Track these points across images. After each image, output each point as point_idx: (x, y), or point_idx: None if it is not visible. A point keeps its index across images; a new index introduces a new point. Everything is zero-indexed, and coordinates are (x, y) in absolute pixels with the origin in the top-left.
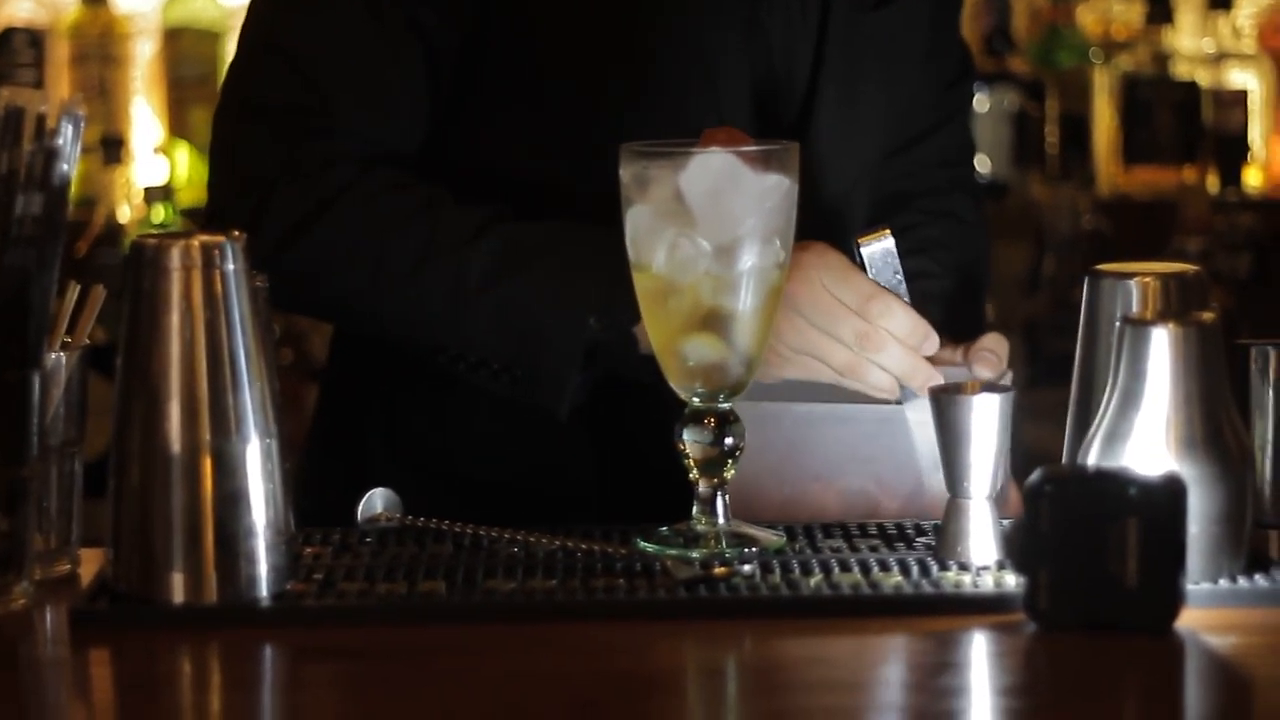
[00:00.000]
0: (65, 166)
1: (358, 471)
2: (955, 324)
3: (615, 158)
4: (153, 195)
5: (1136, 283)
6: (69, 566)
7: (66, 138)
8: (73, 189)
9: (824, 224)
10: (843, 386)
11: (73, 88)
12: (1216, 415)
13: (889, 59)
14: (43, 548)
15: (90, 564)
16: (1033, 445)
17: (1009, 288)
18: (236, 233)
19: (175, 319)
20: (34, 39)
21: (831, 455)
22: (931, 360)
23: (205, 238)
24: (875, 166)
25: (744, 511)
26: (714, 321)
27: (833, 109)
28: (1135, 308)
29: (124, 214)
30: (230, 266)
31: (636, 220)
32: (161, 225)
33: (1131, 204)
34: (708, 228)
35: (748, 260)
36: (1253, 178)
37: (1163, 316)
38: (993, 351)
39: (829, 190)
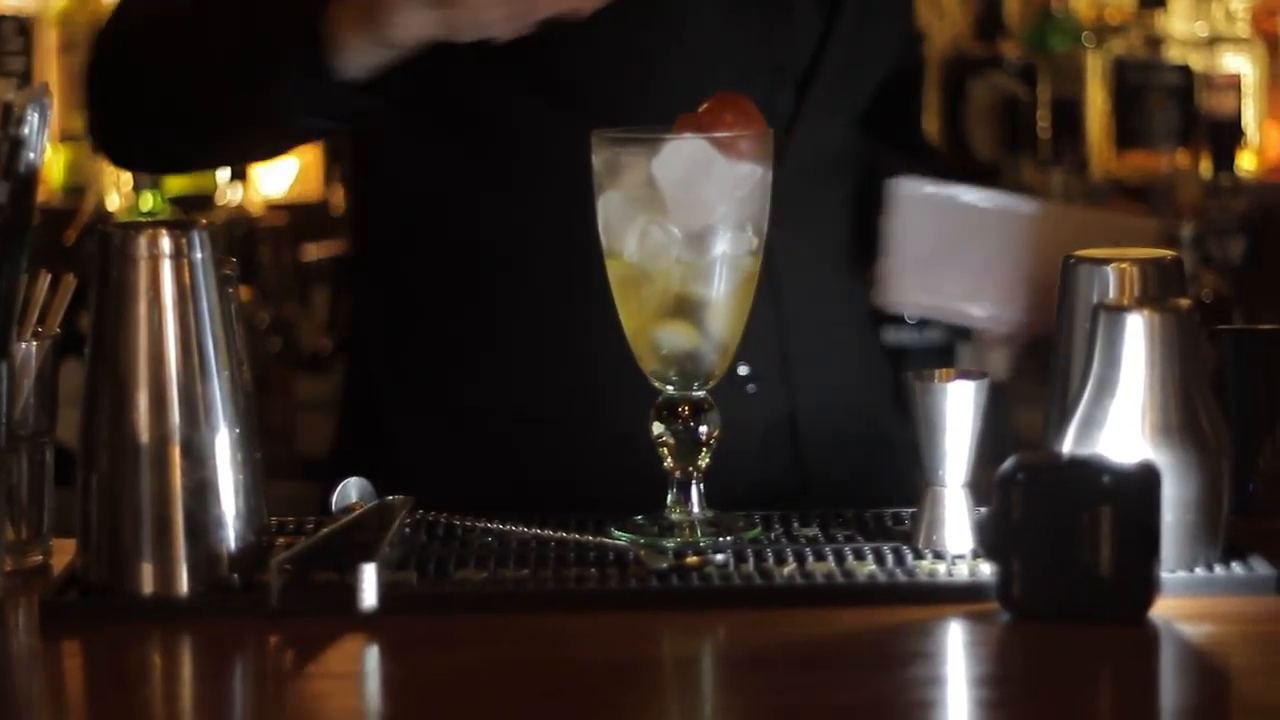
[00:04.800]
0: (32, 155)
1: (374, 434)
2: None
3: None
4: (141, 183)
5: (1113, 268)
6: (41, 557)
7: (32, 126)
8: (62, 177)
9: (809, 188)
10: None
11: (62, 76)
12: (1192, 402)
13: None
14: (15, 539)
15: (64, 555)
16: (1023, 432)
17: None
18: (204, 220)
19: (143, 308)
20: (22, 27)
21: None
22: None
23: (173, 227)
24: (865, 124)
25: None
26: (686, 309)
27: (842, 49)
28: (1112, 294)
29: (113, 202)
30: (198, 255)
31: (608, 207)
32: (150, 213)
33: (1124, 189)
34: (679, 215)
35: (720, 247)
36: (1246, 162)
37: (1138, 302)
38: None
39: (822, 142)
